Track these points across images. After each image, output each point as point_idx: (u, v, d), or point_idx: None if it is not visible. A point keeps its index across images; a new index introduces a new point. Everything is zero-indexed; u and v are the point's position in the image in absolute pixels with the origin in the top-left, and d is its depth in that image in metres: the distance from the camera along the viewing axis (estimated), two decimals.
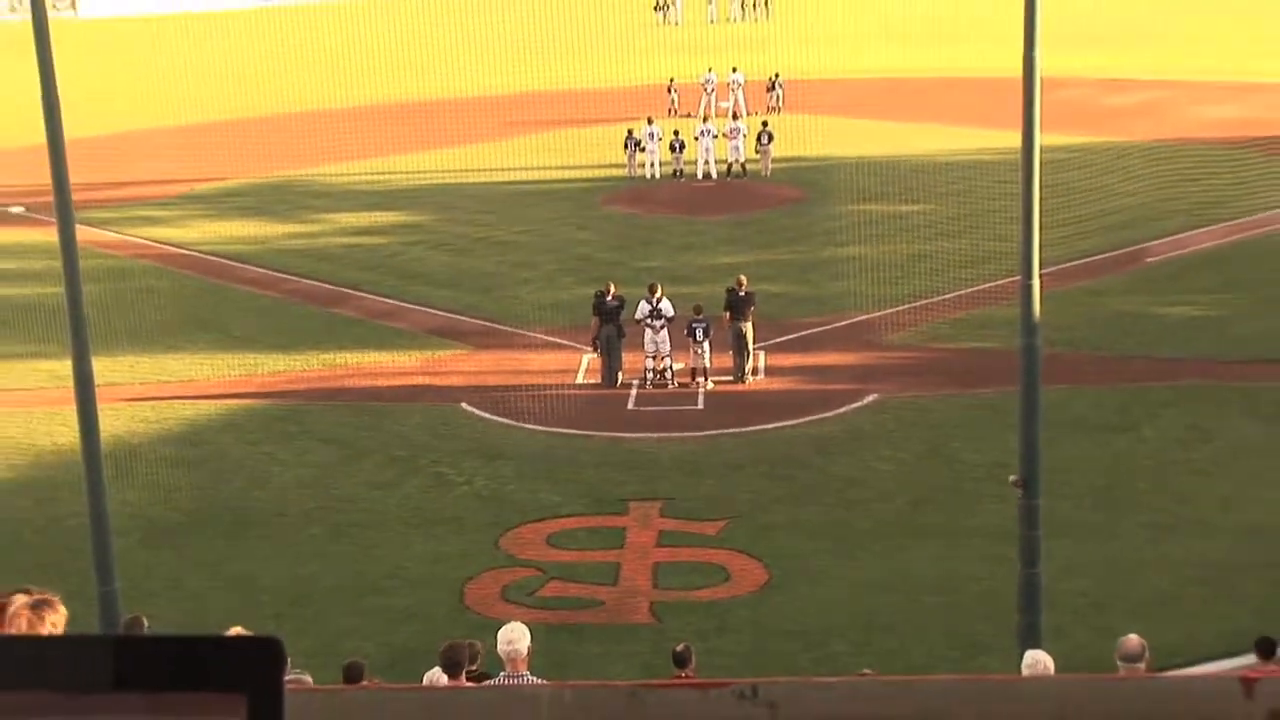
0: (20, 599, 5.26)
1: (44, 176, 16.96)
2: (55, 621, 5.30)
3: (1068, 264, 30.55)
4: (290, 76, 60.67)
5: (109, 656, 1.50)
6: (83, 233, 18.65)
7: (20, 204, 41.11)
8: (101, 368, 19.49)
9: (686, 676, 13.74)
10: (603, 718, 2.09)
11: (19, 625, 5.17)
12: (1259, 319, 29.73)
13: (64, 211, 17.51)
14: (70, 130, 16.84)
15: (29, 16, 16.90)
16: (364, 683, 13.78)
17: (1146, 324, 29.85)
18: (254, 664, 1.51)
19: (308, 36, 71.48)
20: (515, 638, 12.39)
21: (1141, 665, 12.96)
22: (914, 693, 2.07)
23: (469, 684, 13.02)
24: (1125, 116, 49.10)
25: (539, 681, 12.11)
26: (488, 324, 31.80)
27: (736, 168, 44.99)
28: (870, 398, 27.04)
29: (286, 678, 7.48)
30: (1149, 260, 34.33)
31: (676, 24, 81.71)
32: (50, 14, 17.08)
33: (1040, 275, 18.70)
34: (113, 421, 20.91)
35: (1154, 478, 23.19)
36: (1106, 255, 33.86)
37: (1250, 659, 14.83)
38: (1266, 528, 20.73)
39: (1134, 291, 31.91)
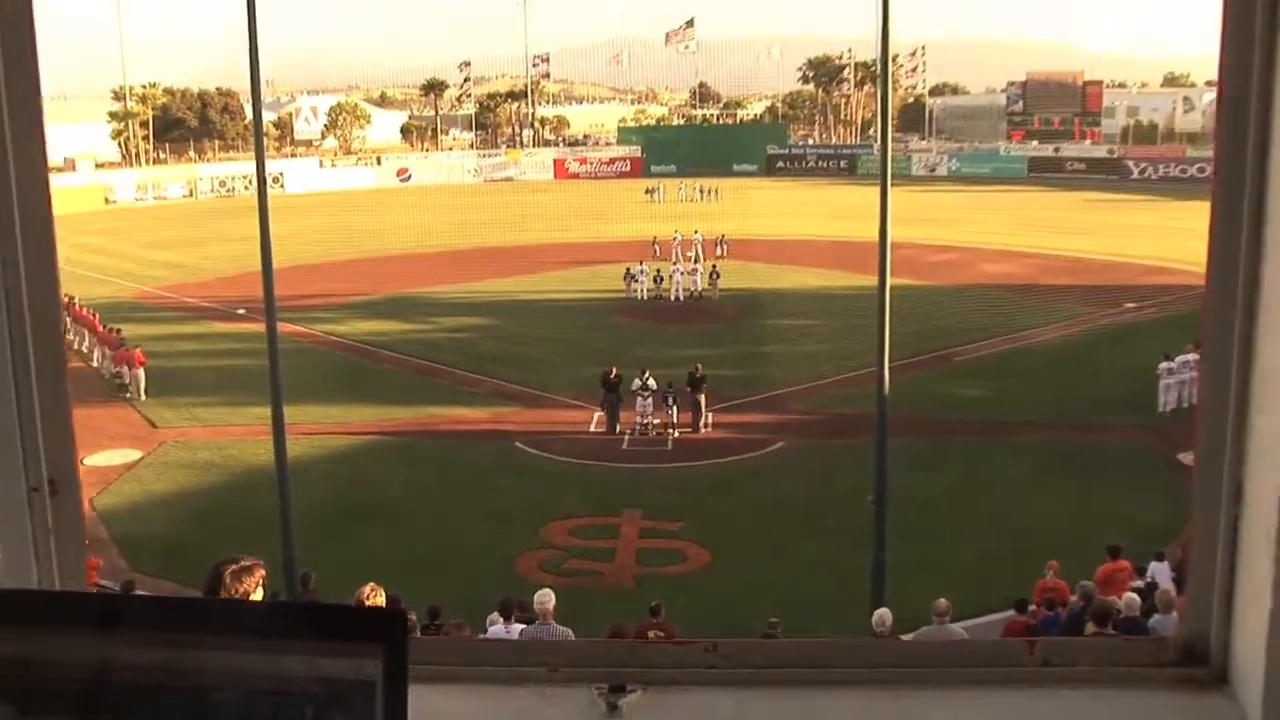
0: (229, 567, 5.20)
1: (257, 290, 17.05)
2: (256, 579, 5.23)
3: (905, 360, 30.45)
4: (409, 229, 60.75)
5: (310, 615, 1.54)
6: (280, 326, 18.66)
7: (243, 307, 41.11)
8: (288, 412, 19.47)
9: (659, 623, 13.67)
10: (608, 661, 2.10)
11: (225, 583, 5.10)
12: (1018, 399, 29.75)
13: (269, 312, 17.58)
14: (275, 262, 16.97)
15: (254, 192, 17.28)
16: (442, 622, 13.62)
17: (953, 399, 29.80)
18: (390, 623, 1.54)
19: (422, 205, 71.82)
20: (545, 599, 12.33)
21: (948, 618, 12.90)
22: (811, 648, 2.09)
23: (518, 625, 12.94)
24: (939, 268, 49.10)
25: (563, 629, 12.06)
26: (534, 391, 31.58)
27: (696, 294, 44.96)
28: (780, 444, 27.01)
29: None
30: (955, 359, 34.37)
31: (660, 202, 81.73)
32: (270, 190, 17.35)
33: (888, 367, 18.84)
34: (293, 447, 20.76)
35: (958, 496, 23.16)
36: (929, 355, 33.77)
37: (1011, 612, 14.84)
38: (1027, 528, 20.70)
39: (945, 379, 31.83)
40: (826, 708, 1.96)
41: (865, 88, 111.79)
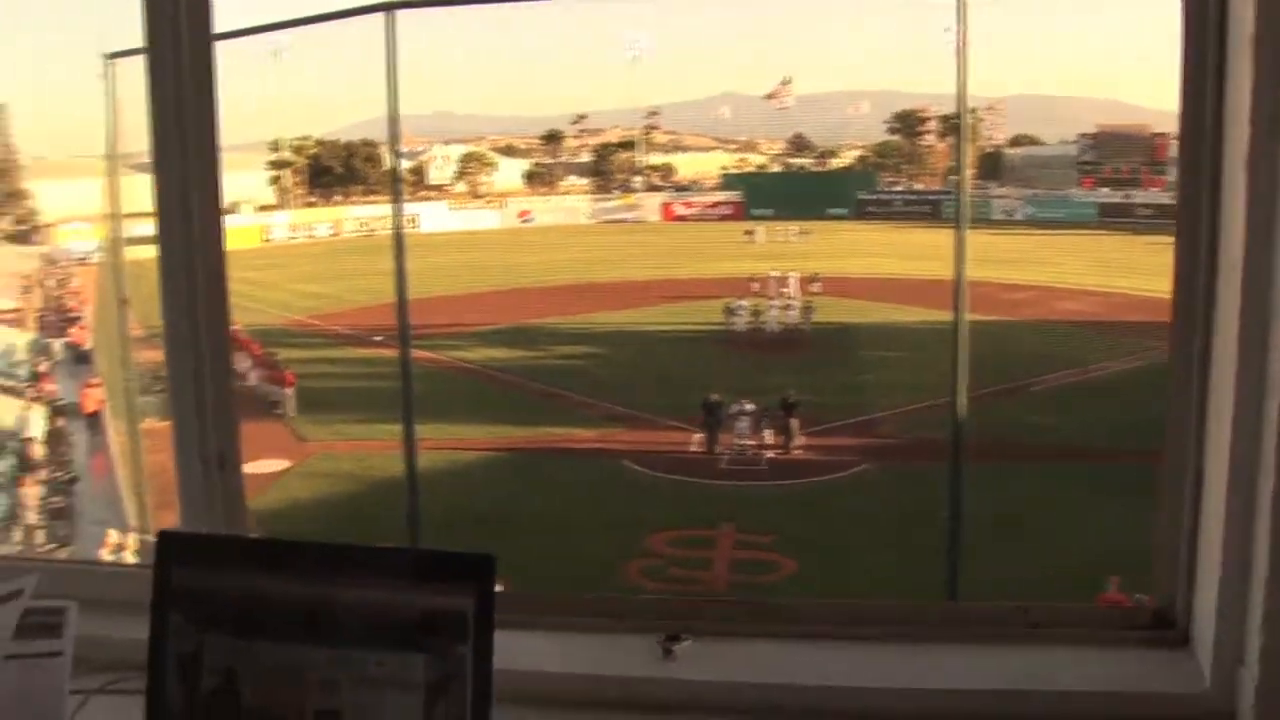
0: None
1: (393, 319, 17.51)
2: None
3: (983, 390, 29.90)
4: (529, 266, 61.55)
5: (417, 558, 1.75)
6: (412, 352, 19.10)
7: (380, 334, 41.80)
8: (418, 429, 19.94)
9: None
10: (667, 614, 2.27)
11: None
12: (1086, 426, 28.96)
13: (403, 338, 18.09)
14: (409, 294, 17.43)
15: (391, 231, 17.96)
16: None
17: (1027, 426, 29.21)
18: (480, 567, 1.75)
19: (541, 244, 72.73)
20: None
21: None
22: (844, 608, 2.23)
23: None
24: (1016, 305, 47.93)
25: None
26: (640, 414, 31.70)
27: (791, 327, 44.82)
28: (864, 465, 26.79)
29: None
30: (1032, 389, 33.75)
31: (758, 243, 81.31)
32: (406, 229, 17.91)
33: (967, 396, 18.72)
34: (422, 460, 21.15)
35: (1028, 516, 22.60)
36: (1007, 385, 33.12)
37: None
38: (1091, 546, 19.82)
39: (1020, 407, 31.26)
40: (856, 658, 2.12)
41: (947, 139, 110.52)
